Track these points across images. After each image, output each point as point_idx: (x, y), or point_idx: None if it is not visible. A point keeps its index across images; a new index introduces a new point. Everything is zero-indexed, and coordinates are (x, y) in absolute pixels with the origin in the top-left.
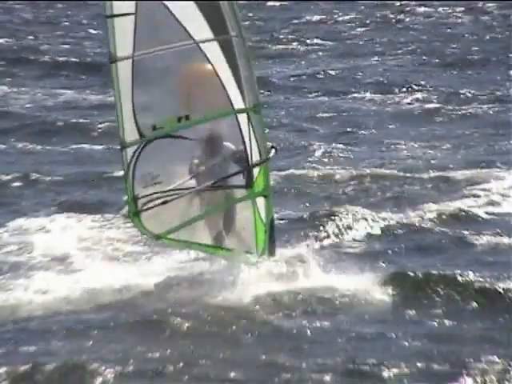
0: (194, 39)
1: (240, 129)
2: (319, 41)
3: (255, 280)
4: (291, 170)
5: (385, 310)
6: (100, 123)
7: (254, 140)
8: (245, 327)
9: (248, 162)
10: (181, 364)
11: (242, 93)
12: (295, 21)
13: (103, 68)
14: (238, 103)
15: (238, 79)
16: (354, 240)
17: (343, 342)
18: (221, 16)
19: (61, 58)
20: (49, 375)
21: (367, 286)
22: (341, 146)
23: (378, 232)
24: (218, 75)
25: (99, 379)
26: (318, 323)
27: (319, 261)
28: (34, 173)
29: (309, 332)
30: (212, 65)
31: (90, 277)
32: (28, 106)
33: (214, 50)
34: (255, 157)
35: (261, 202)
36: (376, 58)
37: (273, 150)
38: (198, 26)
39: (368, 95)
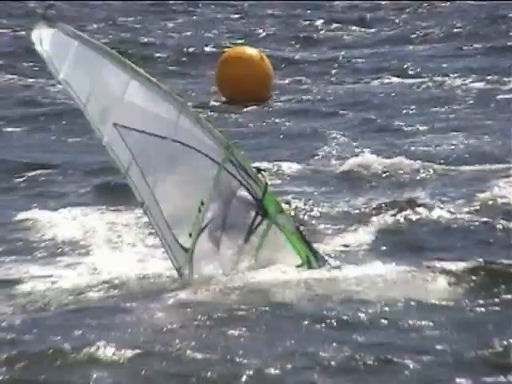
0: (169, 137)
1: (232, 174)
2: (353, 26)
3: (284, 267)
4: (317, 160)
5: (419, 299)
6: None
7: (246, 176)
8: (266, 312)
9: (255, 198)
10: (198, 348)
11: (215, 143)
12: (327, 4)
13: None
14: (217, 154)
15: (205, 132)
16: (384, 231)
17: (375, 331)
18: (165, 90)
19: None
20: (66, 360)
21: (398, 277)
22: (371, 133)
23: (408, 222)
24: (193, 147)
25: (114, 363)
26: (351, 310)
27: (350, 252)
28: (64, 161)
29: (340, 319)
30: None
31: (111, 265)
32: (62, 95)
33: (184, 125)
34: (256, 189)
35: (280, 218)
36: (412, 44)
37: (264, 175)
38: (167, 123)
39: (403, 81)
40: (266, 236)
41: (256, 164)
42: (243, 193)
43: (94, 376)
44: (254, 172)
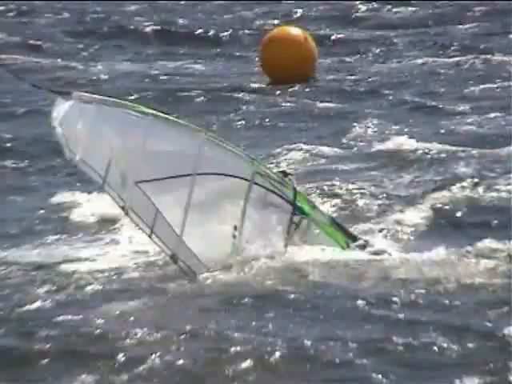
0: (194, 173)
1: (261, 185)
2: (395, 4)
3: (324, 247)
4: (360, 140)
5: (461, 278)
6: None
7: (275, 183)
8: (305, 292)
9: (288, 201)
10: (235, 327)
11: (238, 158)
12: None
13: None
14: (245, 171)
15: (229, 154)
16: (428, 211)
17: (414, 310)
18: (183, 124)
19: (149, 27)
20: (104, 338)
21: (441, 256)
22: (413, 113)
23: (453, 202)
24: (223, 174)
25: (152, 342)
26: (391, 289)
27: (396, 231)
28: None
29: (379, 298)
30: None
31: (150, 245)
32: (103, 76)
33: (207, 154)
34: (287, 192)
35: (315, 213)
36: (456, 22)
37: (291, 179)
38: (190, 158)
39: (447, 60)
40: (306, 237)
41: (298, 144)
42: (276, 199)
43: (132, 353)
44: (281, 176)
